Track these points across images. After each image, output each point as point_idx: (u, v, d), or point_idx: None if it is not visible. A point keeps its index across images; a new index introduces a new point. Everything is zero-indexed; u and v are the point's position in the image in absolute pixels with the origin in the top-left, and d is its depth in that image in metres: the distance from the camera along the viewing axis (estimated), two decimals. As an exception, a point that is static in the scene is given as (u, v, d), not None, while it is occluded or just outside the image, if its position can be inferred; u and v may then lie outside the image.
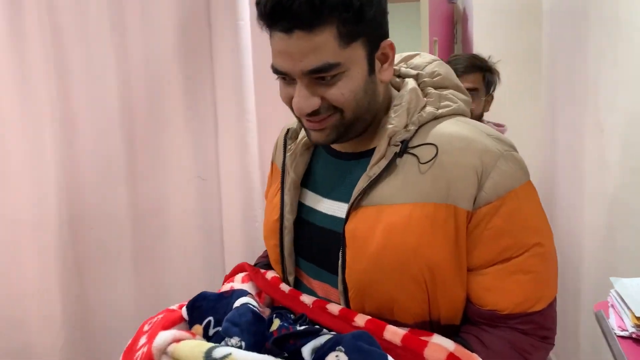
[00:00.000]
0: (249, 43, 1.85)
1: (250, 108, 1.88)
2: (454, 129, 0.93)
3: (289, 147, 1.09)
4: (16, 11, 1.76)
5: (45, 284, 1.85)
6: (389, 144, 0.93)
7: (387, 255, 0.90)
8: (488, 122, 2.10)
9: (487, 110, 2.12)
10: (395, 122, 0.94)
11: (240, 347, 0.86)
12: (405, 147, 0.92)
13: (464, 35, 3.69)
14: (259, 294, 1.10)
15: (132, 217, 1.91)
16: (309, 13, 0.83)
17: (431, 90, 0.99)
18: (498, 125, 2.09)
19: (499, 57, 2.18)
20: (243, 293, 1.01)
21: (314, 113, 0.91)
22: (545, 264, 0.92)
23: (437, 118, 0.96)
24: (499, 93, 2.19)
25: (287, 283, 1.08)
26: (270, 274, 1.11)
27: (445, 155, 0.90)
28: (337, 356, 0.81)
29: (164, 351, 0.89)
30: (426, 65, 1.03)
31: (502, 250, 0.90)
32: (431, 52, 3.77)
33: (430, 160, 0.90)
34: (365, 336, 0.84)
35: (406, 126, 0.94)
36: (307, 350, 0.86)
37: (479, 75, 2.03)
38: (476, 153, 0.90)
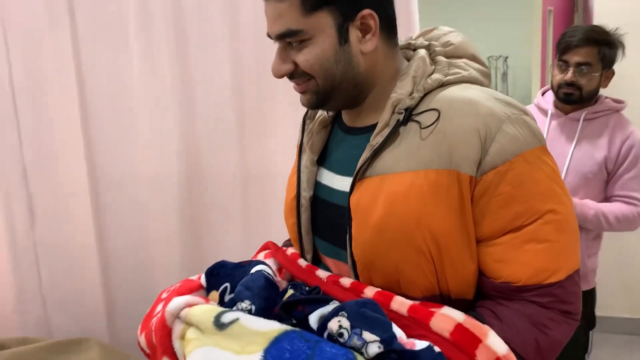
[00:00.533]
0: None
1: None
2: (459, 93, 0.90)
3: (307, 126, 1.10)
4: (144, 2, 1.94)
5: (167, 235, 2.07)
6: (393, 113, 0.92)
7: (389, 225, 0.88)
8: (606, 97, 1.99)
9: (605, 86, 2.00)
10: (399, 90, 0.93)
11: (250, 311, 0.87)
12: (409, 115, 0.90)
13: (585, 4, 3.48)
14: (279, 269, 1.11)
15: (241, 179, 2.05)
16: None
17: (441, 58, 0.97)
18: (617, 102, 1.98)
19: (623, 28, 2.04)
20: (260, 262, 1.03)
21: (291, 77, 0.94)
22: (562, 232, 0.86)
23: (444, 85, 0.93)
24: (620, 67, 2.05)
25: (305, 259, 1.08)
26: (290, 250, 1.11)
27: (447, 119, 0.87)
28: (339, 321, 0.81)
29: (177, 315, 0.91)
30: (441, 37, 1.01)
31: (512, 218, 0.85)
32: (544, 23, 3.58)
33: (431, 125, 0.88)
34: (370, 303, 0.83)
35: (411, 94, 0.92)
36: (314, 317, 0.86)
37: (593, 50, 1.91)
38: (479, 116, 0.86)
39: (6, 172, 2.05)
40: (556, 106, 1.99)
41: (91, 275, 2.12)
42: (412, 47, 1.02)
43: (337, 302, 0.90)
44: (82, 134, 2.02)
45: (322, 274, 1.00)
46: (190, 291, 1.02)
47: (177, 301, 0.92)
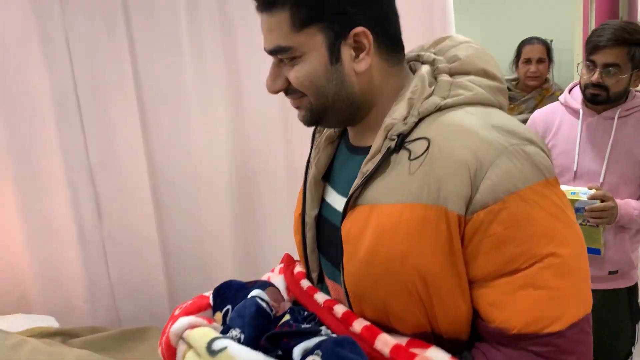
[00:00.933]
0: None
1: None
2: (455, 119, 0.82)
3: (316, 140, 1.06)
4: (194, 4, 2.03)
5: (220, 229, 2.18)
6: (385, 138, 0.85)
7: (375, 260, 0.82)
8: (636, 91, 1.90)
9: (636, 86, 1.87)
10: (394, 114, 0.86)
11: (239, 340, 0.88)
12: (401, 142, 0.83)
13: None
14: (287, 287, 1.08)
15: (287, 174, 2.13)
16: None
17: (443, 77, 0.88)
18: None
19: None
20: (264, 285, 1.02)
21: (286, 93, 0.91)
22: (564, 277, 0.76)
23: (441, 109, 0.84)
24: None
25: (311, 280, 1.03)
26: (297, 268, 1.07)
27: (437, 150, 0.79)
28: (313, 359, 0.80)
29: (180, 336, 0.93)
30: (449, 49, 0.92)
31: (506, 261, 0.76)
32: (586, 10, 3.43)
33: (420, 156, 0.80)
34: (347, 342, 0.81)
35: (405, 118, 0.85)
36: (298, 350, 0.85)
37: (622, 50, 1.78)
38: (470, 148, 0.77)
39: (74, 173, 2.21)
40: (586, 105, 1.92)
41: (154, 267, 2.26)
42: (420, 60, 0.95)
43: (328, 332, 0.89)
44: (142, 135, 2.15)
45: (320, 298, 0.96)
46: (199, 310, 1.03)
47: (181, 322, 0.94)
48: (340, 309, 0.90)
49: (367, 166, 0.86)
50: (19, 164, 2.20)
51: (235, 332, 0.89)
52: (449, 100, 0.85)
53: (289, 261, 1.13)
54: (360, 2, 0.85)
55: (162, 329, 2.11)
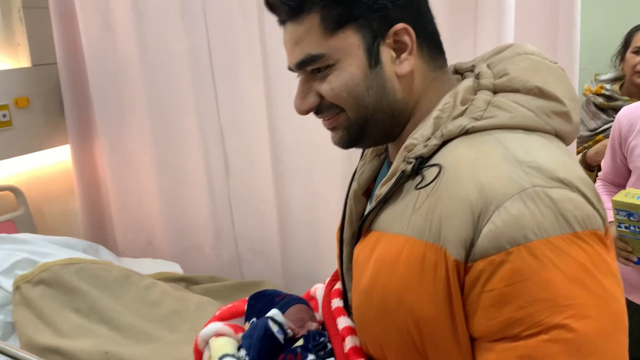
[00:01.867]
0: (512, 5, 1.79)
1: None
2: (474, 146, 0.71)
3: (366, 150, 0.96)
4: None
5: (330, 198, 2.27)
6: (403, 160, 0.76)
7: (375, 293, 0.74)
8: None
9: None
10: (418, 133, 0.76)
11: None
12: (418, 166, 0.74)
13: None
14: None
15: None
16: (291, 0, 0.75)
17: (482, 95, 0.76)
18: None
19: None
20: (290, 302, 0.99)
21: (318, 111, 0.81)
22: (574, 357, 0.62)
23: (469, 133, 0.73)
24: None
25: (346, 300, 0.94)
26: (339, 285, 0.99)
27: (445, 181, 0.69)
28: None
29: (206, 341, 0.96)
30: (502, 62, 0.80)
31: (506, 322, 0.64)
32: None
33: (428, 184, 0.71)
34: None
35: (428, 139, 0.75)
36: None
37: None
38: (478, 183, 0.66)
39: (207, 133, 2.42)
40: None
41: (271, 226, 2.44)
42: (474, 71, 0.83)
43: None
44: (265, 103, 2.28)
45: (342, 322, 0.89)
46: (233, 316, 1.03)
47: (210, 328, 0.97)
48: (350, 342, 0.84)
49: (382, 189, 0.78)
50: (157, 123, 2.44)
51: (241, 353, 0.90)
52: (479, 123, 0.73)
53: (335, 275, 1.04)
54: None
55: (272, 283, 2.30)
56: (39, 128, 2.61)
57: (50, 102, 2.65)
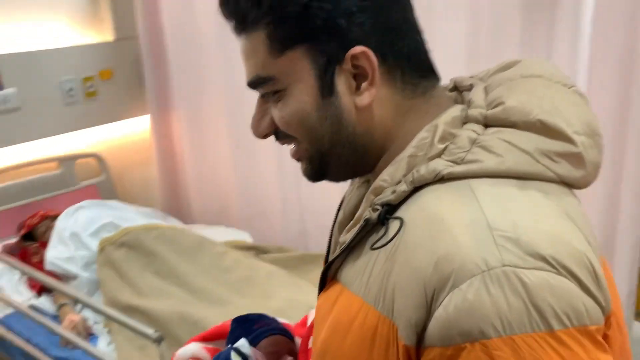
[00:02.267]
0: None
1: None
2: (445, 201, 0.57)
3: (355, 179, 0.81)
4: None
5: None
6: (370, 205, 0.64)
7: (326, 358, 0.66)
8: None
9: None
10: (387, 174, 0.63)
11: None
12: (384, 214, 0.61)
13: None
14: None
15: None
16: (240, 6, 0.65)
17: (466, 131, 0.61)
18: None
19: None
20: (267, 332, 0.97)
21: (277, 137, 0.70)
22: None
23: (444, 180, 0.59)
24: None
25: None
26: None
27: (404, 243, 0.58)
28: None
29: None
30: (500, 85, 0.65)
31: None
32: None
33: (385, 245, 0.59)
34: None
35: (398, 183, 0.62)
36: None
37: None
38: (432, 255, 0.53)
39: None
40: None
41: (335, 200, 2.47)
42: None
43: None
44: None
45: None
46: (216, 337, 1.05)
47: (186, 349, 1.00)
48: None
49: (346, 236, 0.67)
50: (233, 97, 2.53)
51: None
52: (457, 169, 0.58)
53: None
54: (361, 11, 0.61)
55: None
56: (120, 99, 2.77)
57: (132, 75, 2.79)
